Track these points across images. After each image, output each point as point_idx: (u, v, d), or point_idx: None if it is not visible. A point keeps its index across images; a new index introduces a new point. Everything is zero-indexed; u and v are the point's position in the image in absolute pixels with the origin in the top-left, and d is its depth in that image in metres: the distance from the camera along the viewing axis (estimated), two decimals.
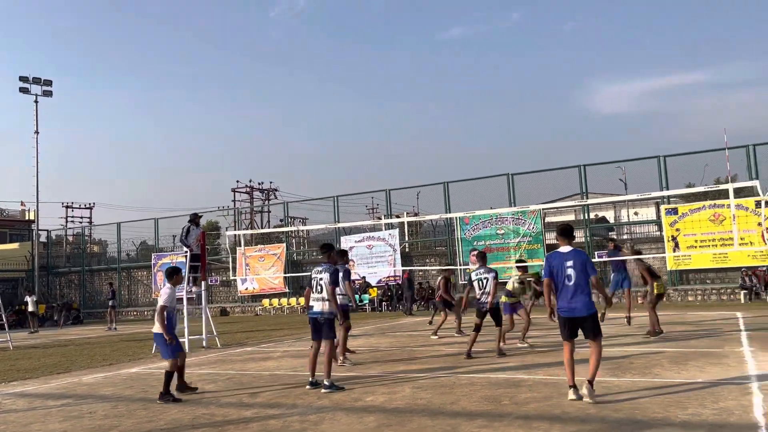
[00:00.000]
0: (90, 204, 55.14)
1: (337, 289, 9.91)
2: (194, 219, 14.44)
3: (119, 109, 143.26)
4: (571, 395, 6.31)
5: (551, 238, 25.29)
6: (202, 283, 14.29)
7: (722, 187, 11.93)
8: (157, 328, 7.50)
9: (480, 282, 9.87)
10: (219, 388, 8.19)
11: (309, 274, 8.54)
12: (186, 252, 14.03)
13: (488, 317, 9.99)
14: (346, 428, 5.69)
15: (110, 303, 24.99)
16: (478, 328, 9.97)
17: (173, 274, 7.81)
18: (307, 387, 7.70)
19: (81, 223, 52.94)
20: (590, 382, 6.21)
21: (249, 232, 32.21)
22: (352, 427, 5.72)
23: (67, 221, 53.26)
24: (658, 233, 23.48)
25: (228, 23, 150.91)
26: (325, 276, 7.78)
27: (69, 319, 30.81)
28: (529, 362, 9.12)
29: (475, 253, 11.57)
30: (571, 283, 6.33)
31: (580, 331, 6.45)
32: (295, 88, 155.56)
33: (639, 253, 12.99)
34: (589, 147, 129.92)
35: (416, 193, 29.45)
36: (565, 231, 6.76)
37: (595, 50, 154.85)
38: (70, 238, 45.10)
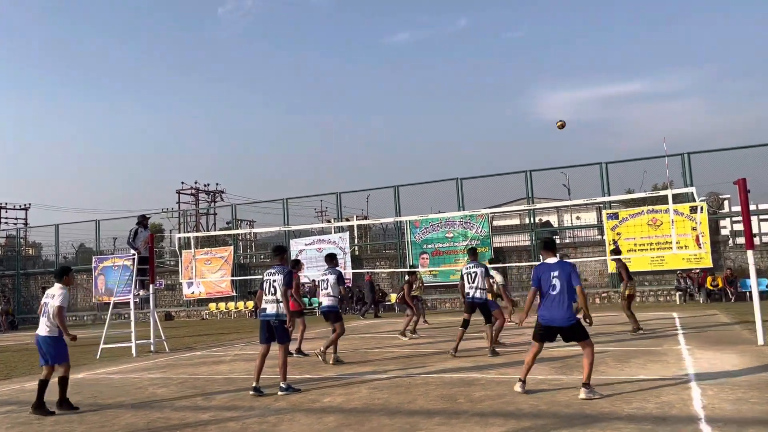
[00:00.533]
0: (25, 205, 52.81)
1: (329, 291, 10.04)
2: (142, 221, 14.12)
3: (55, 109, 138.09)
4: (517, 387, 6.65)
5: (498, 241, 25.86)
6: (150, 286, 13.97)
7: (663, 193, 12.54)
8: (48, 331, 7.09)
9: (469, 276, 10.11)
10: (172, 392, 8.07)
11: (257, 277, 8.50)
12: (133, 255, 13.70)
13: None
14: (306, 428, 5.73)
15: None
16: (466, 324, 10.14)
17: (63, 274, 7.38)
18: (251, 393, 7.46)
19: (15, 224, 50.62)
20: (586, 385, 6.32)
21: (196, 234, 31.59)
22: (312, 427, 5.77)
23: (0, 222, 50.84)
24: (600, 237, 24.33)
25: (173, 22, 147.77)
26: (279, 278, 7.74)
27: (5, 324, 29.50)
28: (481, 362, 9.35)
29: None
30: (555, 292, 6.53)
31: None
32: (242, 91, 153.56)
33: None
34: (535, 153, 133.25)
35: (366, 196, 29.56)
36: (548, 244, 7.02)
37: (540, 58, 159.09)
38: (3, 240, 43.11)
